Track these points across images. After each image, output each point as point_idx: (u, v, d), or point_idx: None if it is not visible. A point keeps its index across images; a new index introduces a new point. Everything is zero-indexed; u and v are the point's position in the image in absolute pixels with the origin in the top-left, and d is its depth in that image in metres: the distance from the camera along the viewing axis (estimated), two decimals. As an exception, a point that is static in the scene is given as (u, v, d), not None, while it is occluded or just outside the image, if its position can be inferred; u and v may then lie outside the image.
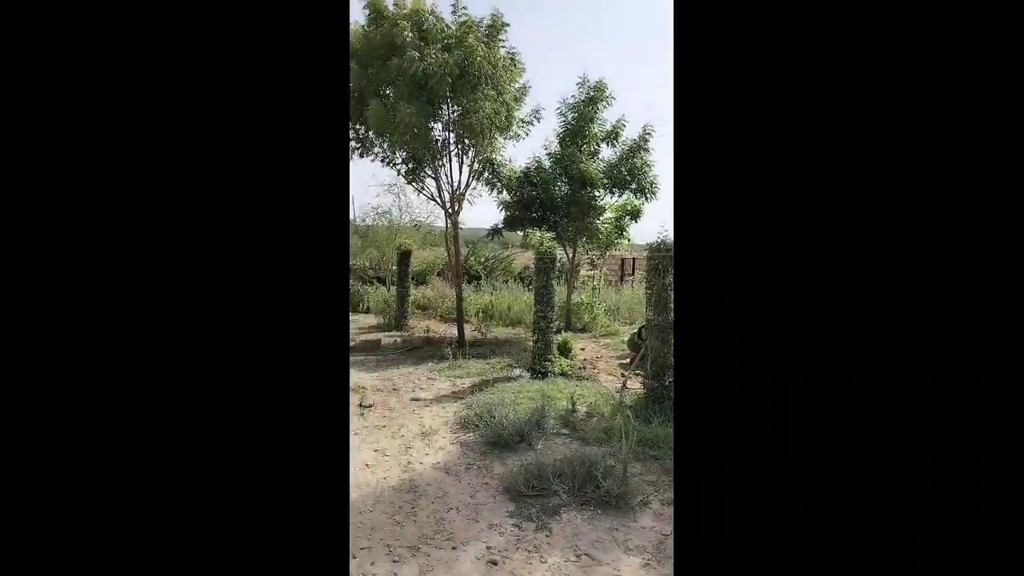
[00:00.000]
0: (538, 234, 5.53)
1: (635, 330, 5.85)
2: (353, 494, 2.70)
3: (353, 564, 2.12)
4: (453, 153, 6.14)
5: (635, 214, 7.10)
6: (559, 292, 6.09)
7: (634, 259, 10.93)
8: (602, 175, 6.75)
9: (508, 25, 5.72)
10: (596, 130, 6.92)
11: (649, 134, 6.92)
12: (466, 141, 5.87)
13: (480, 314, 7.67)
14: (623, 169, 6.79)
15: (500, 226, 7.45)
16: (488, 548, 2.25)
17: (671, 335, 3.88)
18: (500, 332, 7.07)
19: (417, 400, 4.29)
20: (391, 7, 5.61)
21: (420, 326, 7.52)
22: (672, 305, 3.87)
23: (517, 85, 5.89)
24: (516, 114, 6.00)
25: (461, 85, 5.28)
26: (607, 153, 7.09)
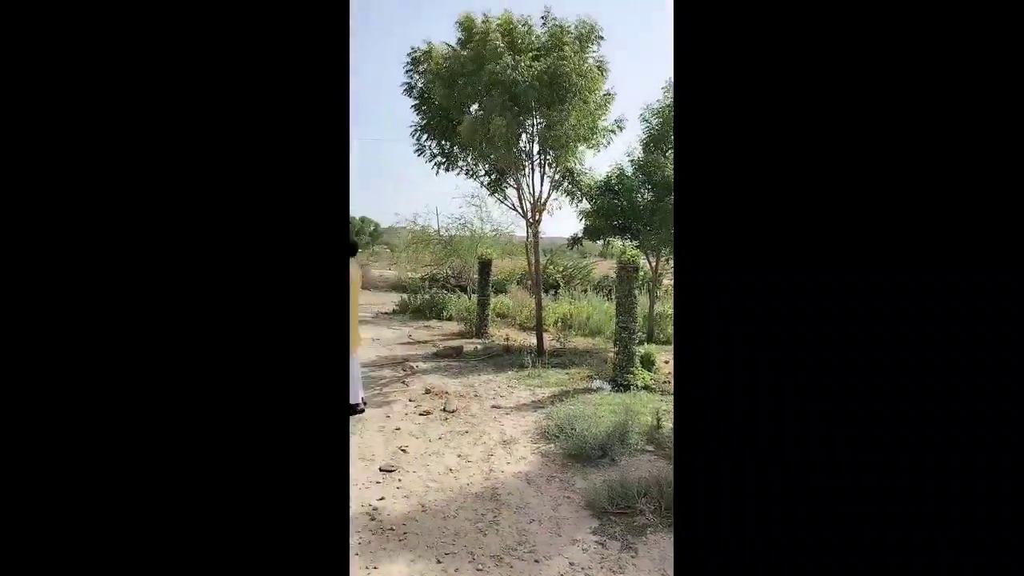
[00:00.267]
0: (619, 243, 5.41)
1: None
2: (438, 497, 2.77)
3: (438, 568, 2.16)
4: (536, 164, 6.19)
5: None
6: (641, 302, 5.92)
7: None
8: None
9: (603, 38, 5.68)
10: None
11: None
12: (549, 152, 5.90)
13: (559, 323, 7.64)
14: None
15: (580, 235, 7.40)
16: (571, 564, 2.21)
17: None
18: (579, 342, 7.00)
19: (498, 408, 4.33)
20: (480, 23, 5.78)
21: (500, 334, 7.61)
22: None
23: (602, 93, 5.84)
24: (600, 123, 5.95)
25: (549, 95, 5.33)
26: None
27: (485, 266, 7.90)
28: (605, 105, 5.96)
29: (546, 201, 6.37)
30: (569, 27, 5.62)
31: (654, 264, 7.27)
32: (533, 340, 6.57)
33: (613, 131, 6.21)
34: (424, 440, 3.59)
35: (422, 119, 6.41)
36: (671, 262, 7.73)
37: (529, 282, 9.16)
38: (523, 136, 5.93)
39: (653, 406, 4.17)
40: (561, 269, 11.76)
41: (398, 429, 3.78)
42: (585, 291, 10.12)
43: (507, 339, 7.17)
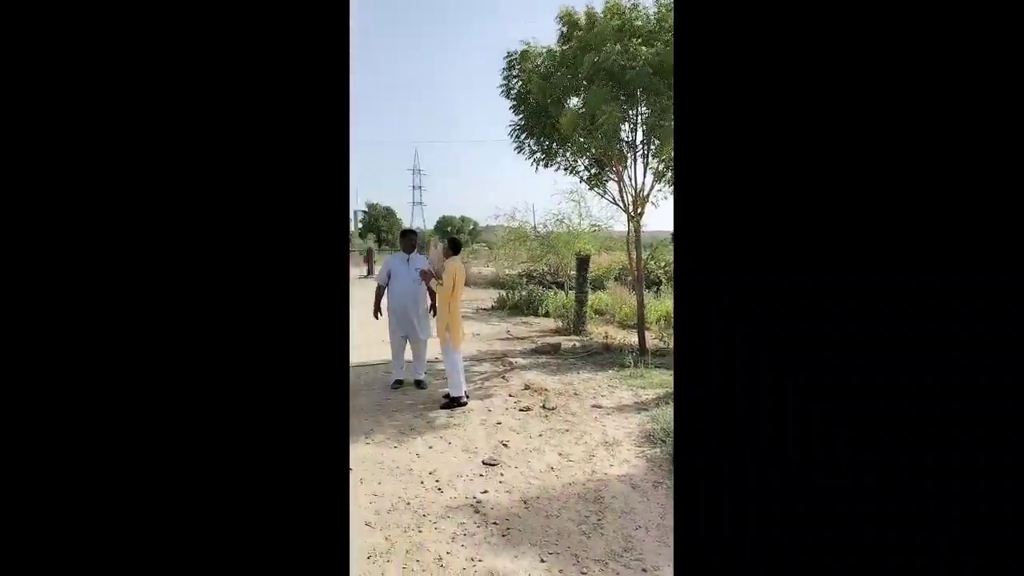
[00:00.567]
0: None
1: None
2: (540, 495, 2.74)
3: (542, 568, 2.13)
4: (639, 154, 5.96)
5: None
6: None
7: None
8: None
9: None
10: None
11: None
12: (654, 142, 5.65)
13: (661, 321, 7.33)
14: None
15: None
16: (683, 578, 2.07)
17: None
18: (684, 342, 6.63)
19: (599, 407, 4.24)
20: (583, 16, 5.68)
21: (599, 332, 7.47)
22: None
23: None
24: None
25: (657, 82, 5.10)
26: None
27: (583, 262, 7.77)
28: None
29: (649, 193, 6.13)
30: None
31: None
32: (634, 338, 6.35)
33: None
34: (525, 436, 3.59)
35: (520, 119, 6.44)
36: None
37: (629, 278, 8.88)
38: (625, 126, 5.74)
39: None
40: (663, 264, 11.29)
41: (499, 423, 3.82)
42: (689, 288, 9.58)
43: (606, 337, 7.00)
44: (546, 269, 11.58)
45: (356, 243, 31.78)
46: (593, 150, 5.87)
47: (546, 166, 6.65)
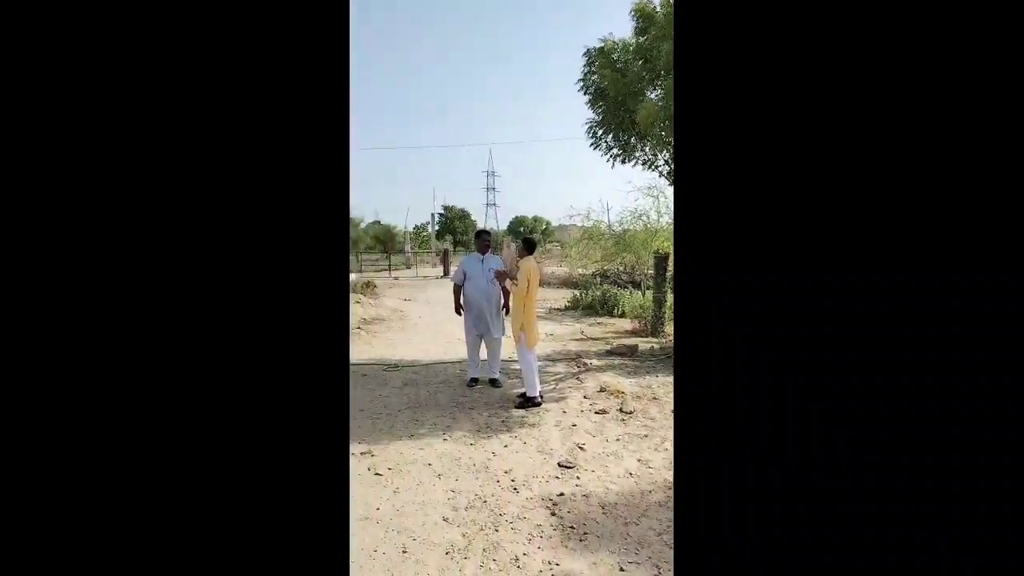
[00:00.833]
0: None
1: None
2: (618, 501, 2.67)
3: (622, 577, 2.06)
4: None
5: None
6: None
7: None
8: None
9: None
10: None
11: None
12: None
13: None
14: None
15: None
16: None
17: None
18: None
19: (679, 412, 4.05)
20: (658, 6, 5.50)
21: (677, 333, 7.16)
22: None
23: None
24: None
25: None
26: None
27: (661, 261, 7.49)
28: None
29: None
30: None
31: None
32: (716, 341, 6.02)
33: None
34: (601, 439, 3.51)
35: (598, 114, 6.33)
36: None
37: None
38: None
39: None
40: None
41: (574, 426, 3.75)
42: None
43: (686, 339, 6.69)
44: (621, 268, 11.31)
45: (433, 244, 32.85)
46: (673, 143, 5.65)
47: (623, 162, 6.50)
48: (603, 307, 9.32)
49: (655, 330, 7.27)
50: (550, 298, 11.04)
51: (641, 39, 5.53)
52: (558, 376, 5.13)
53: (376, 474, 2.94)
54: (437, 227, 40.63)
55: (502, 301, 4.72)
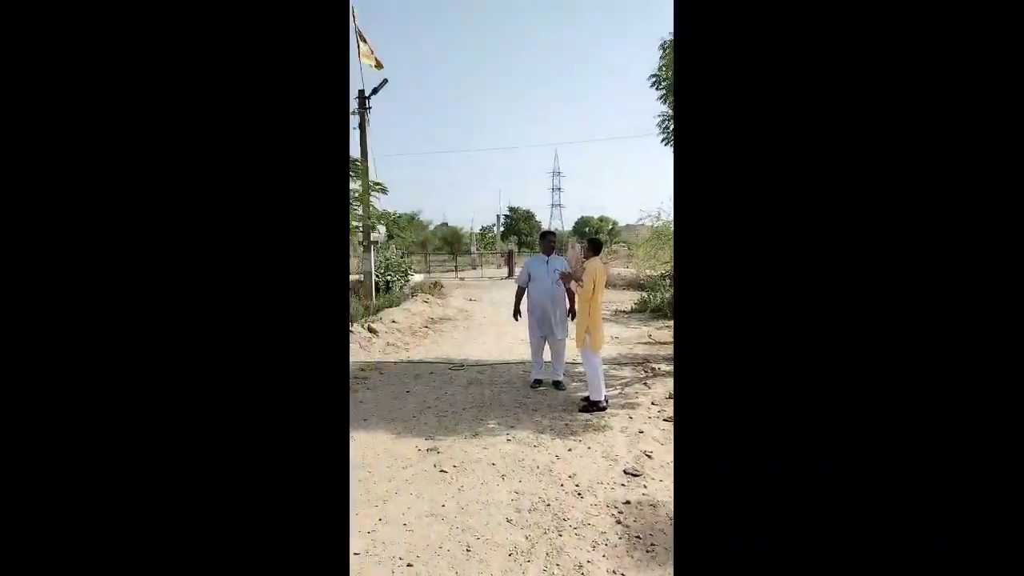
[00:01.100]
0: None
1: None
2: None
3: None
4: None
5: None
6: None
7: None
8: None
9: None
10: None
11: None
12: None
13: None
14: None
15: None
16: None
17: None
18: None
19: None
20: None
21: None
22: None
23: None
24: None
25: None
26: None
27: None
28: None
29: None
30: None
31: None
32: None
33: None
34: (669, 448, 3.38)
35: (669, 107, 6.14)
36: None
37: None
38: None
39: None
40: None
41: (641, 432, 3.65)
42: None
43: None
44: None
45: (498, 245, 33.21)
46: None
47: None
48: (672, 310, 9.01)
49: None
50: (616, 300, 10.83)
51: None
52: (624, 381, 5.02)
53: (441, 471, 2.99)
54: (502, 228, 41.04)
55: (567, 303, 4.68)
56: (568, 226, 49.09)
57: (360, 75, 10.50)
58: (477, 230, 37.67)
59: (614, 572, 2.08)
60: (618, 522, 2.46)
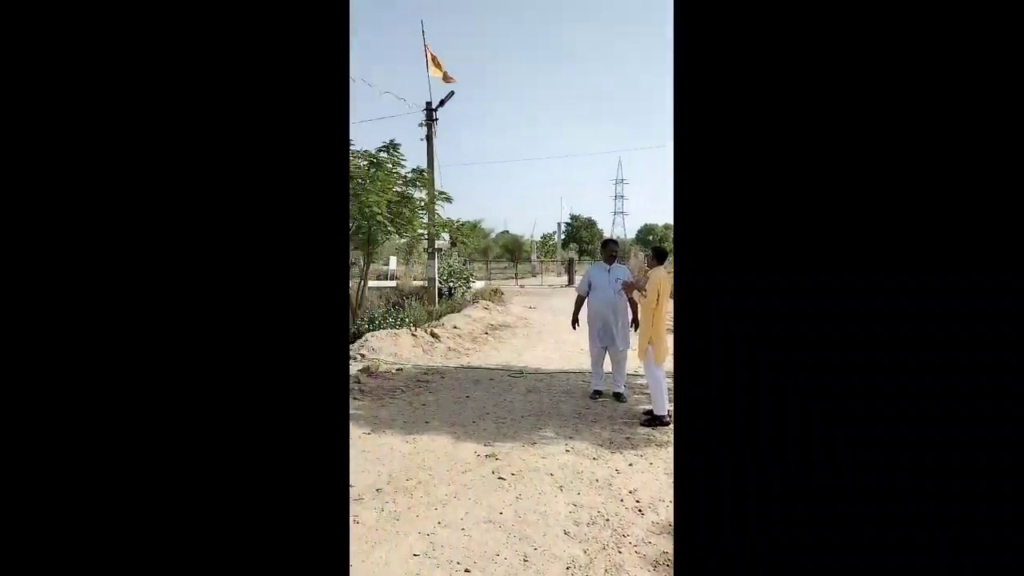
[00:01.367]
0: None
1: None
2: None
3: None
4: None
5: None
6: None
7: None
8: None
9: None
10: None
11: None
12: None
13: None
14: None
15: None
16: None
17: None
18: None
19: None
20: None
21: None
22: None
23: None
24: None
25: None
26: None
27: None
28: None
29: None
30: None
31: None
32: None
33: None
34: (737, 467, 3.22)
35: None
36: None
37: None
38: None
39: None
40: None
41: (706, 449, 3.50)
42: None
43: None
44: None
45: (559, 253, 33.14)
46: None
47: None
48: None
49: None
50: (680, 311, 10.48)
51: None
52: (688, 394, 4.83)
53: (499, 478, 3.00)
54: (563, 236, 40.92)
55: (629, 313, 4.58)
56: (631, 234, 48.26)
57: (428, 88, 10.86)
58: (538, 238, 37.76)
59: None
60: (680, 542, 2.36)
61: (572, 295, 5.29)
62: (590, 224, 45.09)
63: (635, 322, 4.50)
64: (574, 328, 4.89)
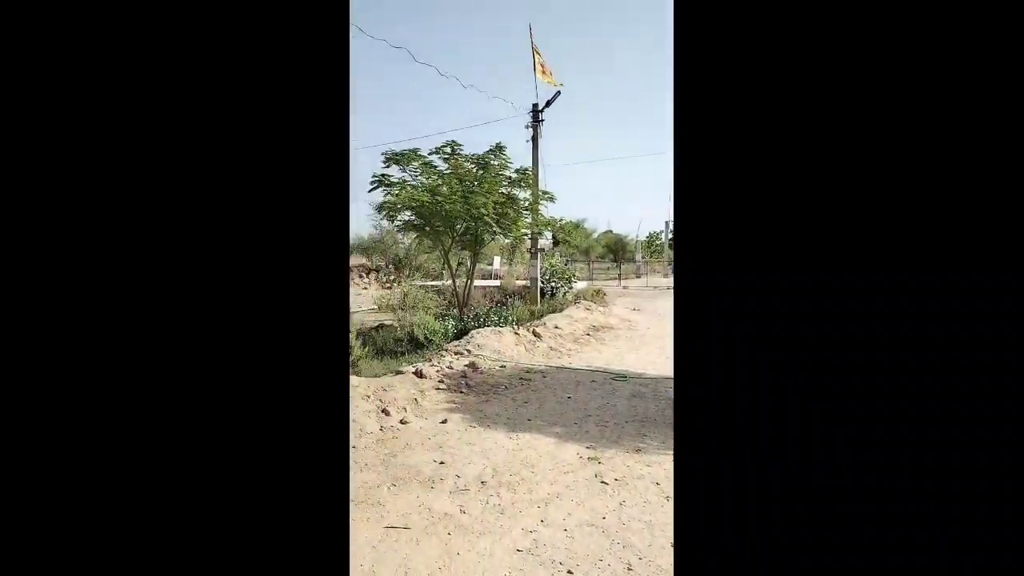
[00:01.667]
0: None
1: None
2: None
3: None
4: None
5: None
6: None
7: None
8: None
9: None
10: None
11: None
12: None
13: None
14: None
15: None
16: None
17: None
18: None
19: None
20: None
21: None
22: None
23: None
24: None
25: None
26: None
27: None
28: None
29: None
30: None
31: None
32: None
33: None
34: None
35: None
36: None
37: None
38: None
39: None
40: None
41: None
42: None
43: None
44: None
45: (666, 253, 31.90)
46: None
47: None
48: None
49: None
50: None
51: None
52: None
53: (602, 482, 2.95)
54: (671, 235, 39.24)
55: None
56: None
57: (535, 90, 11.00)
58: (643, 237, 36.62)
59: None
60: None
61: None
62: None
63: None
64: None
